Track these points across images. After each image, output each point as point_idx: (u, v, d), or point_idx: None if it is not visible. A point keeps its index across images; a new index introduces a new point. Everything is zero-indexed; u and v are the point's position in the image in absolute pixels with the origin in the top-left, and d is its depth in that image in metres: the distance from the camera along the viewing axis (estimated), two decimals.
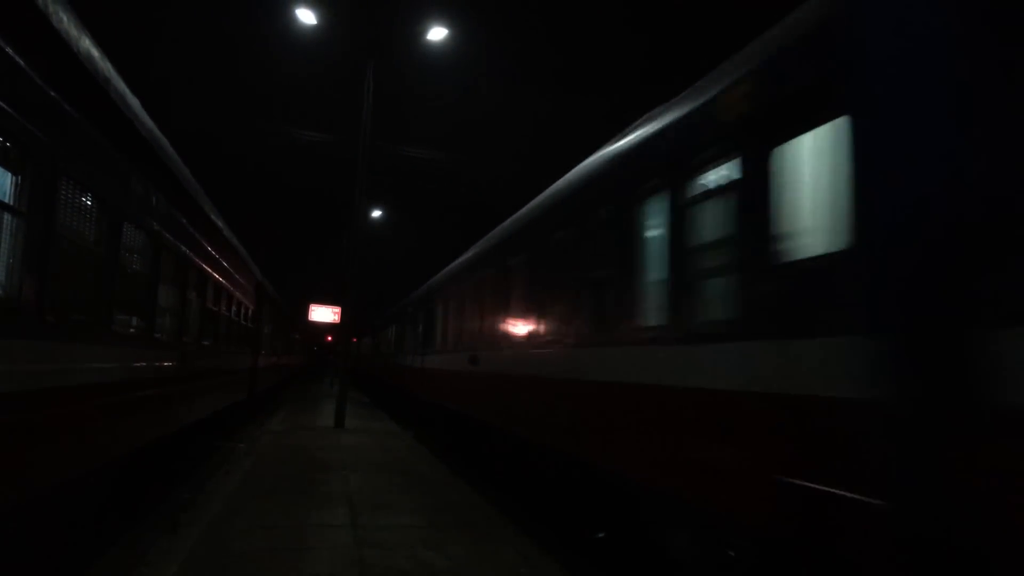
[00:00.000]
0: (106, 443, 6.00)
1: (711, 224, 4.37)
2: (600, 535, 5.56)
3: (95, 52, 5.02)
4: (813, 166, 3.55)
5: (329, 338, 61.86)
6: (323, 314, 37.79)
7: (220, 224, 11.21)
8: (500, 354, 9.11)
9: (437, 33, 15.65)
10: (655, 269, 5.11)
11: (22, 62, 4.07)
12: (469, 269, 11.97)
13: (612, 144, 6.50)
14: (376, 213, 35.89)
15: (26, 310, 4.25)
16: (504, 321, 9.05)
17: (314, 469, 9.82)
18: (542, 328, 7.43)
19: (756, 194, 3.86)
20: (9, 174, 4.14)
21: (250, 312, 16.62)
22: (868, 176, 3.06)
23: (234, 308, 13.78)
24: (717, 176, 4.38)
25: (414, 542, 6.19)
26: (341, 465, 10.30)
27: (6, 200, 4.10)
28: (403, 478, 9.51)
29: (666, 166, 4.99)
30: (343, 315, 17.82)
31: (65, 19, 4.40)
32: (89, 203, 5.38)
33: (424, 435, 15.91)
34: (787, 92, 3.65)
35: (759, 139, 3.88)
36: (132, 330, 6.82)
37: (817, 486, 3.10)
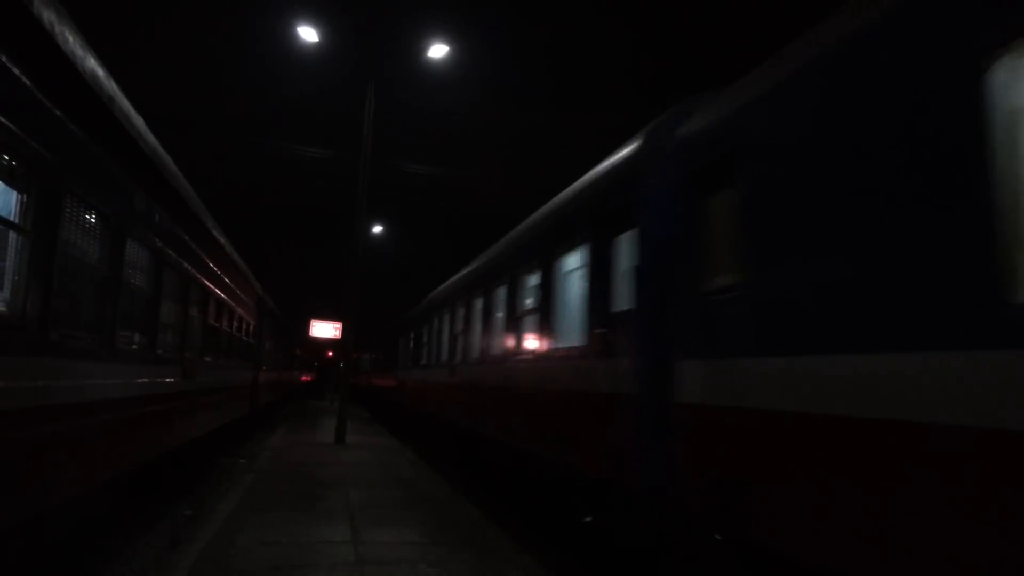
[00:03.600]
0: (107, 460, 6.00)
1: (574, 287, 6.90)
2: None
3: (100, 71, 5.08)
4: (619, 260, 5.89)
5: (330, 353, 61.80)
6: (324, 329, 37.78)
7: (222, 240, 11.26)
8: (468, 368, 11.60)
9: (438, 50, 15.79)
10: (539, 314, 7.73)
11: (29, 82, 4.13)
12: (446, 299, 14.48)
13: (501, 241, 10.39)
14: (377, 228, 36.00)
15: (30, 327, 4.27)
16: (468, 342, 11.84)
17: (315, 485, 9.79)
18: (492, 348, 9.97)
19: (589, 273, 6.32)
20: (15, 192, 4.19)
21: (251, 328, 16.64)
22: (639, 280, 5.40)
23: (235, 324, 13.80)
24: (569, 260, 7.05)
25: (415, 559, 6.17)
26: (342, 481, 10.27)
27: (11, 218, 4.14)
28: (404, 494, 9.48)
29: (541, 248, 7.83)
30: (344, 331, 17.82)
31: (71, 39, 4.46)
32: (93, 220, 5.43)
33: (425, 451, 15.87)
34: (608, 210, 6.08)
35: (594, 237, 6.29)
36: (134, 346, 6.84)
37: (611, 439, 5.55)
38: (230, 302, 12.78)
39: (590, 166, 7.23)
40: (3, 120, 3.80)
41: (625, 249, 5.72)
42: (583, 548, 6.80)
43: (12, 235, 4.18)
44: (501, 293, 9.56)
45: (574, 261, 6.91)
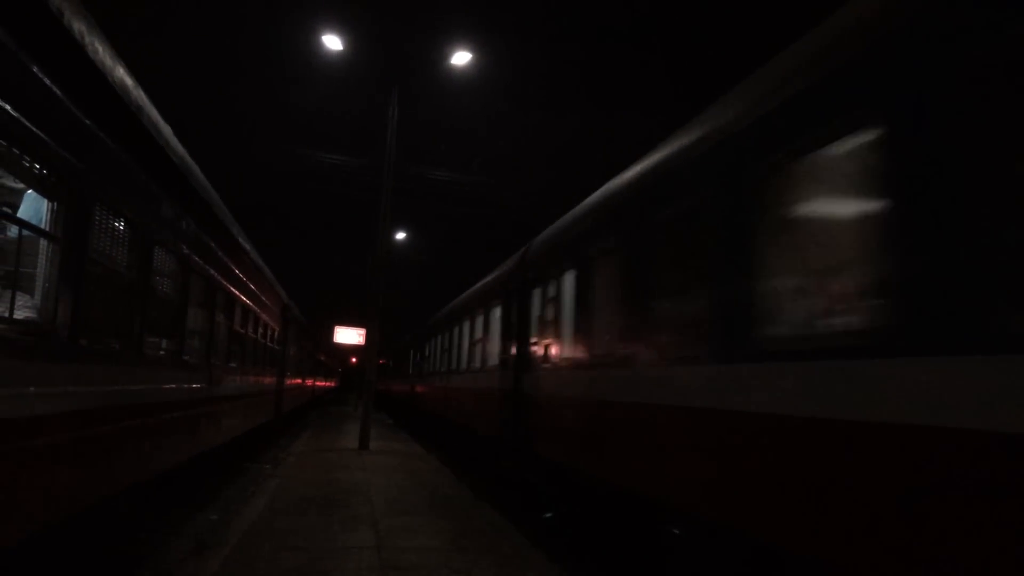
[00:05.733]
0: (136, 465, 6.06)
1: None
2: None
3: (129, 80, 5.16)
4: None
5: (354, 360, 62.20)
6: (348, 336, 37.96)
7: (248, 247, 11.38)
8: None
9: (461, 57, 15.87)
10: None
11: (60, 92, 4.20)
12: (462, 308, 17.59)
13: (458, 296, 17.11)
14: (401, 235, 36.17)
15: (60, 333, 4.33)
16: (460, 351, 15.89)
17: (339, 491, 9.82)
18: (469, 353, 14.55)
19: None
20: (46, 200, 4.26)
21: (276, 334, 16.79)
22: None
23: (260, 330, 13.93)
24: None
25: (439, 565, 6.14)
26: (366, 487, 10.29)
27: (43, 226, 4.20)
28: (428, 500, 9.46)
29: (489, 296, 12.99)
30: (368, 337, 17.93)
31: (100, 50, 4.54)
32: (121, 228, 5.50)
33: (449, 458, 15.86)
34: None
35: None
36: (162, 352, 6.92)
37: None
38: (255, 309, 12.91)
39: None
40: (35, 130, 3.87)
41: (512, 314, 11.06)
42: (609, 557, 6.72)
43: (43, 242, 4.25)
44: (458, 329, 15.96)
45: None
